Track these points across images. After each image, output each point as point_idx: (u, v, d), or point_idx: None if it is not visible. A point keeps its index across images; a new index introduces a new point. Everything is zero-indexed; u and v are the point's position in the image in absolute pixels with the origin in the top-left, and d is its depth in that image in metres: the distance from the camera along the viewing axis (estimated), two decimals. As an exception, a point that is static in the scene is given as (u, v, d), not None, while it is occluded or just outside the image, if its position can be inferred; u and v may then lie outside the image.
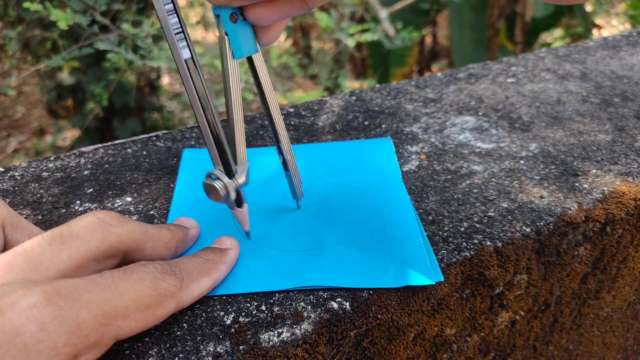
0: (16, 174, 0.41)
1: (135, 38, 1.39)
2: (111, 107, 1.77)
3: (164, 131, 0.47)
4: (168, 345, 0.27)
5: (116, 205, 0.38)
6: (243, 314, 0.29)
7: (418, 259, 0.32)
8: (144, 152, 0.44)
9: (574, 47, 0.65)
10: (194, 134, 0.46)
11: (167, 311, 0.26)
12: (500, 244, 0.34)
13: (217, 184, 0.32)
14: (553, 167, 0.42)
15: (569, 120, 0.48)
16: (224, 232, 0.35)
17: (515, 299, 0.37)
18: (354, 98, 0.53)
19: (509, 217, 0.36)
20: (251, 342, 0.28)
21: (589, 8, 2.22)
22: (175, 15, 0.27)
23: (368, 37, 1.59)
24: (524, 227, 0.36)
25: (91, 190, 0.39)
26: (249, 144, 0.45)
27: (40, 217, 0.36)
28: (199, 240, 0.34)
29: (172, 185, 0.40)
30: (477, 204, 0.37)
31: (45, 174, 0.41)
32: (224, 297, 0.30)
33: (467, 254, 0.33)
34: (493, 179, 0.40)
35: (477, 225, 0.36)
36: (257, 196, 0.38)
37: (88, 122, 1.78)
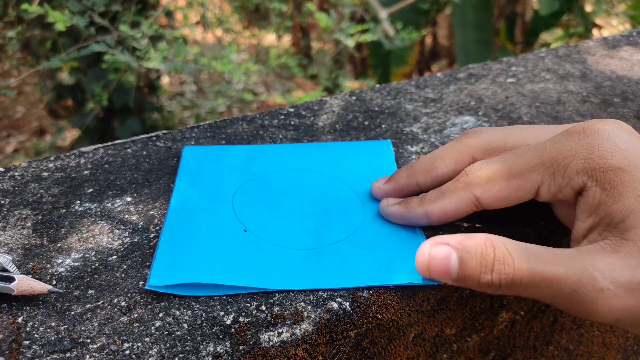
0: (16, 174, 0.41)
1: (132, 39, 1.39)
2: (111, 107, 1.77)
3: (164, 131, 0.47)
4: (168, 345, 0.27)
5: (116, 205, 0.38)
6: (243, 314, 0.29)
7: None
8: (144, 152, 0.44)
9: (574, 47, 0.65)
10: (194, 134, 0.46)
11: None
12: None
13: None
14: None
15: (569, 120, 0.48)
16: (225, 229, 0.35)
17: (515, 299, 0.37)
18: (354, 98, 0.53)
19: (510, 217, 0.36)
20: (251, 342, 0.28)
21: (588, 8, 2.22)
22: None
23: (368, 37, 1.59)
24: (525, 228, 0.36)
25: (91, 190, 0.39)
26: (249, 144, 0.45)
27: (40, 217, 0.36)
28: (199, 238, 0.34)
29: (172, 185, 0.40)
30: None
31: (45, 174, 0.41)
32: (224, 297, 0.30)
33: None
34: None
35: (477, 225, 0.36)
36: (258, 192, 0.38)
37: (88, 122, 1.78)
